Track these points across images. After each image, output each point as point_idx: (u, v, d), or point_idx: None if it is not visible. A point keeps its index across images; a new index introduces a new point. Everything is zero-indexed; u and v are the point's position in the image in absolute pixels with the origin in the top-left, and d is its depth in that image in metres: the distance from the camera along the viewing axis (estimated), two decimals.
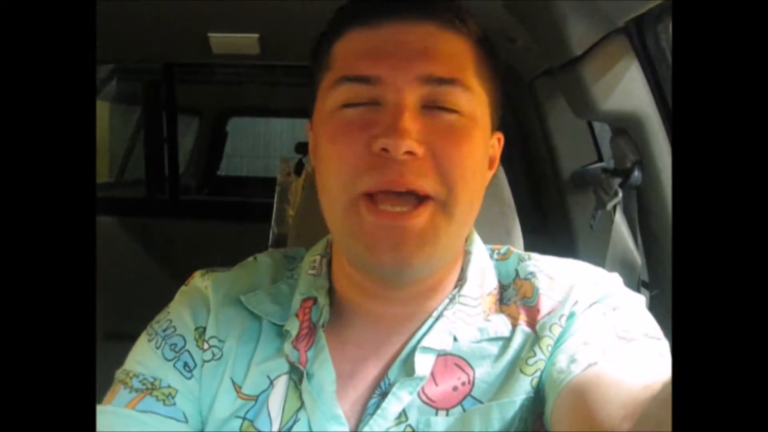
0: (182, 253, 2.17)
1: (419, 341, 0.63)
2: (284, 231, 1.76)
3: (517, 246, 0.85)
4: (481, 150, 0.63)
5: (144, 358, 0.66)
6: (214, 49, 1.54)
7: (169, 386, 0.64)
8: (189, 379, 0.65)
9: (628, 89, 1.00)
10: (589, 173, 1.51)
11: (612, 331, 0.59)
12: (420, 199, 0.58)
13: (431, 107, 0.59)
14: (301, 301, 0.67)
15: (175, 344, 0.66)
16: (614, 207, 1.18)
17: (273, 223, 1.80)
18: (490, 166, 0.68)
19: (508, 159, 1.98)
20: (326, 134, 0.62)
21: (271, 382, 0.64)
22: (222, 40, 1.49)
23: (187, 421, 0.63)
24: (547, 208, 1.71)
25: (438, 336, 0.63)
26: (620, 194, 1.16)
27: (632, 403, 0.47)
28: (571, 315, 0.63)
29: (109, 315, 1.40)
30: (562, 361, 0.58)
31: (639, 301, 0.65)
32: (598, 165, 1.53)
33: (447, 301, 0.66)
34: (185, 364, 0.65)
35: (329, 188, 0.61)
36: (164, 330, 0.68)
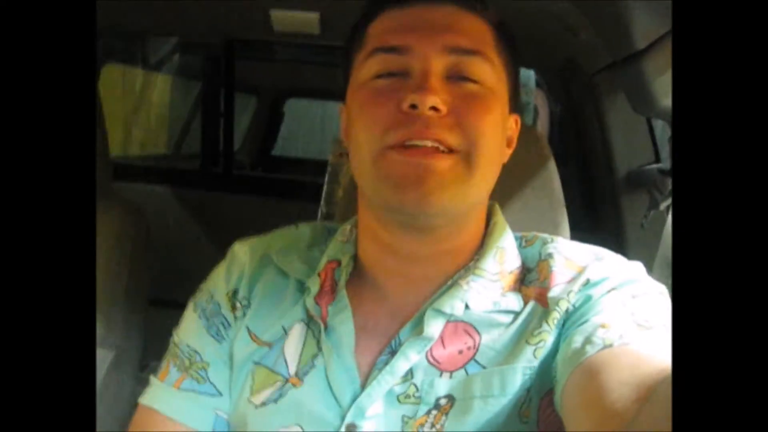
0: (232, 227, 2.19)
1: (431, 304, 0.66)
2: (332, 210, 1.77)
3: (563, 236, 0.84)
4: (499, 121, 0.67)
5: (188, 327, 0.75)
6: (274, 26, 1.55)
7: (202, 360, 0.72)
8: (220, 342, 0.72)
9: None
10: (645, 173, 1.47)
11: (630, 318, 0.60)
12: (444, 150, 0.62)
13: (455, 77, 0.65)
14: (326, 262, 0.72)
15: (212, 310, 0.74)
16: (667, 208, 1.15)
17: (322, 202, 1.81)
18: (508, 145, 0.73)
19: (563, 154, 1.96)
20: (358, 101, 0.67)
21: (285, 332, 0.69)
22: (283, 17, 1.50)
23: (220, 394, 0.71)
24: (599, 206, 1.68)
25: (450, 301, 0.66)
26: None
27: (645, 387, 0.48)
28: (588, 298, 0.64)
29: (158, 282, 1.43)
30: (577, 341, 0.59)
31: (660, 290, 0.65)
32: (655, 166, 1.49)
33: (463, 271, 0.68)
34: (218, 330, 0.72)
35: (360, 144, 0.66)
36: (204, 300, 0.75)
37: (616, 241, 1.51)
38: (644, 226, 1.25)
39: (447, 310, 0.65)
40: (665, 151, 1.44)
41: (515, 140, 0.75)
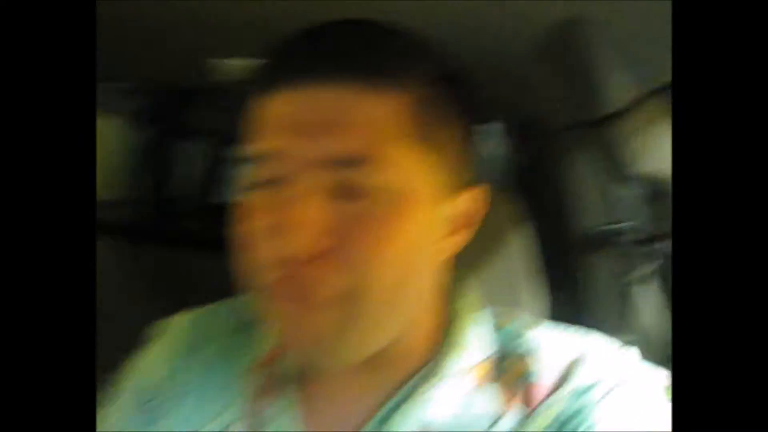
0: (172, 278, 2.19)
1: (381, 421, 0.57)
2: None
3: (534, 303, 0.85)
4: (414, 228, 0.52)
5: (112, 414, 0.65)
6: (214, 75, 1.53)
7: None
8: None
9: (664, 152, 0.95)
10: (612, 234, 1.47)
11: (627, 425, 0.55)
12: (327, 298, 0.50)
13: (340, 191, 0.50)
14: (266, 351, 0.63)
15: (139, 399, 0.64)
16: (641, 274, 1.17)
17: None
18: (456, 231, 0.58)
19: (526, 210, 1.94)
20: (238, 217, 0.54)
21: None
22: (222, 66, 1.49)
23: None
24: (564, 266, 1.67)
25: (404, 421, 0.56)
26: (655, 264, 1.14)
27: None
28: (580, 408, 0.56)
29: None
30: None
31: (657, 380, 0.58)
32: (623, 226, 1.49)
33: (423, 372, 0.58)
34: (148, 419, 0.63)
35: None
36: (132, 383, 0.66)
37: (582, 304, 1.50)
38: (613, 292, 1.26)
39: (403, 429, 0.56)
40: (633, 213, 1.44)
41: (478, 215, 0.59)
